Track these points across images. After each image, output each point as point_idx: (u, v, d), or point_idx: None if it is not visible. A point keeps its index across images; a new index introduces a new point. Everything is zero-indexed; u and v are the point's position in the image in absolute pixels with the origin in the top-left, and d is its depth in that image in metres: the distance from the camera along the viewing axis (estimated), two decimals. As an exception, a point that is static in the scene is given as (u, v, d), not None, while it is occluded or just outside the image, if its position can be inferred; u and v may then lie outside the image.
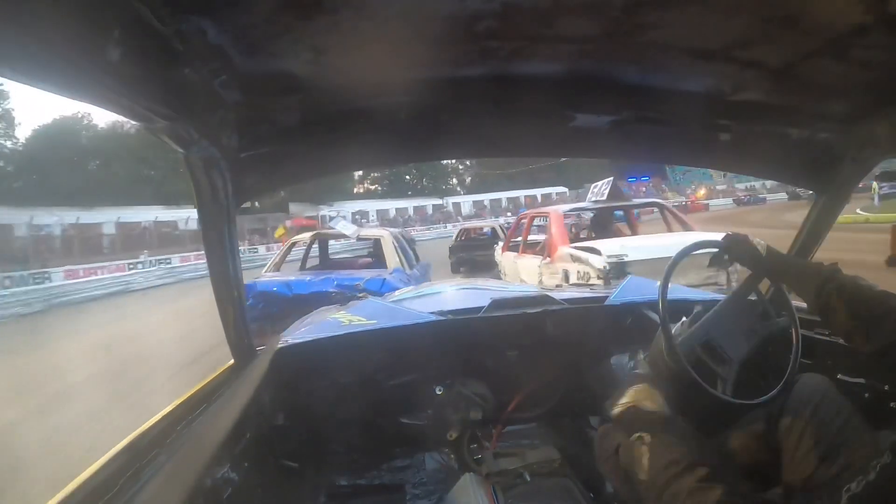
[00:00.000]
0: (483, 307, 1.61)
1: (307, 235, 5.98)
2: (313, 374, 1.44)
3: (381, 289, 3.92)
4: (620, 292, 1.72)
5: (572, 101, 1.07)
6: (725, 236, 1.20)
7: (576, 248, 4.44)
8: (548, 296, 1.71)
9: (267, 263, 5.45)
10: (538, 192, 47.00)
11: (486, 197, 47.41)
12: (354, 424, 1.47)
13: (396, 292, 2.63)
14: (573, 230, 6.60)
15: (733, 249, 1.17)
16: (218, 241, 1.03)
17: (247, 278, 1.20)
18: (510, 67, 0.89)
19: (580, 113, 1.13)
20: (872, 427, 0.94)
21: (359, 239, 5.92)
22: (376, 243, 5.57)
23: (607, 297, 1.68)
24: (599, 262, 3.95)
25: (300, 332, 1.59)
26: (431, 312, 1.59)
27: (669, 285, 1.18)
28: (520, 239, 6.15)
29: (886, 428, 0.91)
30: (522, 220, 6.65)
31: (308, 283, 4.45)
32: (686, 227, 5.10)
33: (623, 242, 4.37)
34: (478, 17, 0.71)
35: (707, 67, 0.89)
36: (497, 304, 1.62)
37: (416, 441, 1.54)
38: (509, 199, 47.20)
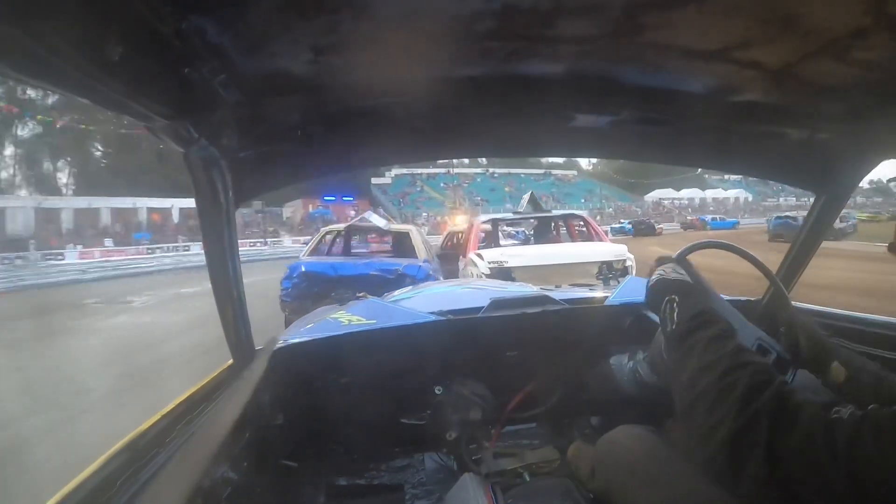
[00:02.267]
0: (482, 307, 1.61)
1: (341, 226, 6.60)
2: (313, 373, 1.44)
3: (418, 274, 4.65)
4: (620, 292, 1.72)
5: (572, 101, 1.07)
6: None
7: (475, 253, 5.41)
8: (547, 296, 1.71)
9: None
10: (176, 203, 32.38)
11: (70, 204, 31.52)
12: (354, 424, 1.47)
13: (396, 292, 2.63)
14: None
15: (799, 323, 1.09)
16: (217, 240, 1.03)
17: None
18: (511, 67, 0.89)
19: (581, 113, 1.13)
20: None
21: (388, 231, 6.38)
22: (404, 236, 6.12)
23: (607, 297, 1.68)
24: (483, 266, 4.96)
25: (300, 331, 1.59)
26: (431, 312, 1.59)
27: None
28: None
29: None
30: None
31: (351, 265, 4.99)
32: (597, 240, 6.17)
33: (505, 251, 5.50)
34: (478, 16, 0.71)
35: (708, 68, 0.89)
36: (496, 303, 1.62)
37: (416, 441, 1.54)
38: (116, 212, 31.70)
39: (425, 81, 0.92)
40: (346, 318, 1.62)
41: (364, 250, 7.63)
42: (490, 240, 6.82)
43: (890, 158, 1.17)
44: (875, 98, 0.93)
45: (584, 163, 60.39)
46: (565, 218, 7.59)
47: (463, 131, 1.22)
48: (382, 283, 4.41)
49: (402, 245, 6.15)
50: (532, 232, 8.12)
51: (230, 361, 1.23)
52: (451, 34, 0.76)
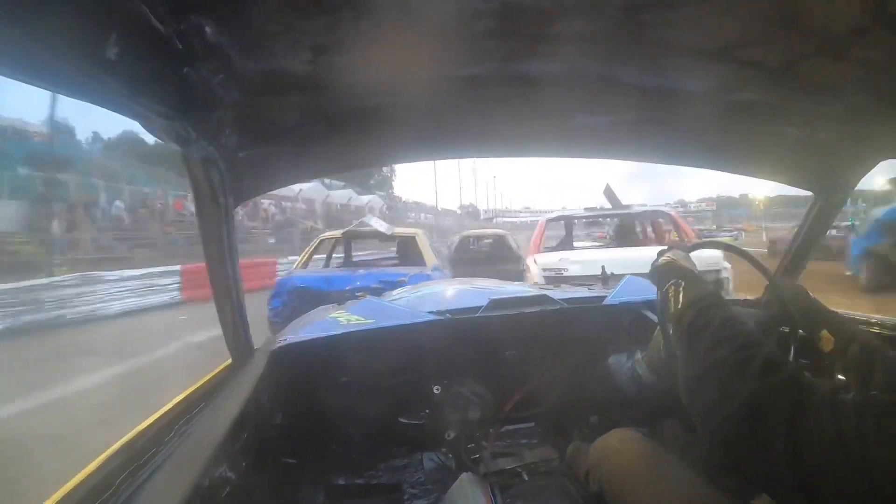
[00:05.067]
0: (481, 307, 1.61)
1: (337, 232, 5.85)
2: (312, 373, 1.44)
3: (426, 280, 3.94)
4: (619, 292, 1.72)
5: (572, 101, 1.07)
6: (775, 280, 1.15)
7: (532, 257, 4.77)
8: (546, 296, 1.71)
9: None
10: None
11: None
12: (352, 424, 1.47)
13: (395, 291, 2.62)
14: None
15: (786, 290, 1.11)
16: (216, 240, 1.03)
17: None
18: (511, 67, 0.89)
19: (581, 112, 1.13)
20: None
21: (392, 236, 5.74)
22: (410, 241, 5.53)
23: (605, 296, 1.68)
24: (537, 272, 4.40)
25: (298, 331, 1.59)
26: (429, 312, 1.59)
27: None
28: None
29: None
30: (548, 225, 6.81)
31: (348, 278, 4.31)
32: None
33: (567, 256, 4.67)
34: (478, 16, 0.71)
35: (707, 67, 0.89)
36: (495, 303, 1.62)
37: (414, 440, 1.54)
38: None
39: (425, 81, 0.92)
40: (345, 317, 1.62)
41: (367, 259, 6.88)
42: (561, 240, 5.90)
43: (888, 159, 1.17)
44: (874, 98, 0.93)
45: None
46: (649, 216, 6.30)
47: (462, 131, 1.22)
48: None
49: (408, 251, 5.62)
50: (609, 233, 6.74)
51: (229, 361, 1.23)
52: (450, 34, 0.76)
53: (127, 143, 20.91)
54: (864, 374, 0.88)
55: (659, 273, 0.94)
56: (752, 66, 0.86)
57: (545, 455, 1.47)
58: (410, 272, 4.41)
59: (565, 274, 4.24)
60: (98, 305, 8.28)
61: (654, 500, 0.93)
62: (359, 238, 5.96)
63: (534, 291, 1.92)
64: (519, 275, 5.92)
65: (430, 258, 5.03)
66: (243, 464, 1.03)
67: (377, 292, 3.70)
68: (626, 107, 1.09)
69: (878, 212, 8.22)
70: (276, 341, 1.43)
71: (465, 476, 1.24)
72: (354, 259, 6.40)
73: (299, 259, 5.38)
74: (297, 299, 4.15)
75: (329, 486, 1.43)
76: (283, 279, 4.46)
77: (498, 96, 1.02)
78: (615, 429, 1.14)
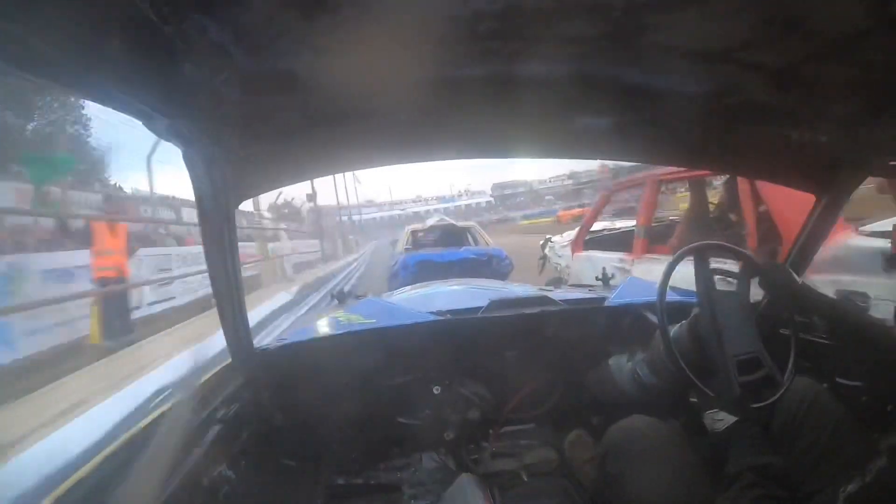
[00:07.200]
0: (482, 307, 1.61)
1: (423, 225, 7.69)
2: (311, 373, 1.44)
3: (500, 255, 5.70)
4: (619, 293, 1.72)
5: (573, 103, 1.07)
6: (765, 261, 1.18)
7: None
8: (547, 296, 1.71)
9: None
10: None
11: None
12: (352, 424, 1.47)
13: (396, 291, 2.63)
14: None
15: (768, 275, 1.15)
16: (217, 239, 1.03)
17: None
18: (512, 68, 0.89)
19: (582, 114, 1.13)
20: (869, 429, 0.94)
21: (459, 227, 7.58)
22: (465, 230, 7.27)
23: (606, 297, 1.68)
24: None
25: (299, 331, 1.59)
26: (430, 312, 1.59)
27: (668, 287, 1.18)
28: (630, 226, 3.84)
29: (884, 430, 0.91)
30: (613, 196, 4.46)
31: (453, 253, 5.86)
32: None
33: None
34: (479, 17, 0.71)
35: (709, 69, 0.89)
36: (496, 304, 1.62)
37: (414, 441, 1.54)
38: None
39: (426, 81, 0.92)
40: (346, 317, 1.62)
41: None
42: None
43: (890, 161, 1.17)
44: (877, 100, 0.93)
45: None
46: None
47: (464, 131, 1.21)
48: (480, 265, 5.47)
49: (472, 237, 7.35)
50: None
51: (228, 360, 1.23)
52: (452, 34, 0.76)
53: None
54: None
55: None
56: (753, 68, 0.86)
57: (545, 456, 1.46)
58: (489, 248, 6.02)
59: None
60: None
61: (678, 480, 0.94)
62: (439, 228, 7.51)
63: (534, 292, 1.92)
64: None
65: (489, 241, 6.65)
66: (242, 463, 1.03)
67: (474, 262, 5.24)
68: (628, 108, 1.09)
69: None
70: (276, 341, 1.43)
71: (464, 477, 1.24)
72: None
73: (401, 242, 7.13)
74: (423, 269, 5.30)
75: (328, 486, 1.43)
76: (408, 256, 5.82)
77: (500, 97, 1.02)
78: (634, 415, 1.14)
